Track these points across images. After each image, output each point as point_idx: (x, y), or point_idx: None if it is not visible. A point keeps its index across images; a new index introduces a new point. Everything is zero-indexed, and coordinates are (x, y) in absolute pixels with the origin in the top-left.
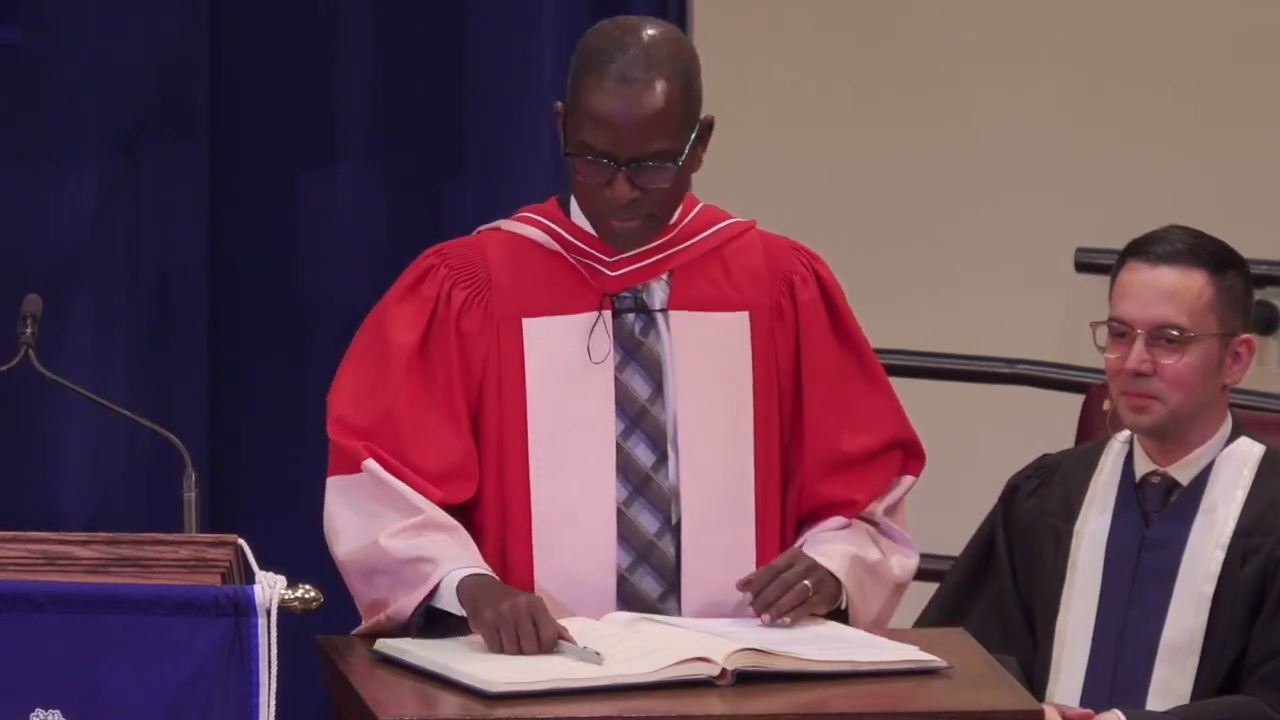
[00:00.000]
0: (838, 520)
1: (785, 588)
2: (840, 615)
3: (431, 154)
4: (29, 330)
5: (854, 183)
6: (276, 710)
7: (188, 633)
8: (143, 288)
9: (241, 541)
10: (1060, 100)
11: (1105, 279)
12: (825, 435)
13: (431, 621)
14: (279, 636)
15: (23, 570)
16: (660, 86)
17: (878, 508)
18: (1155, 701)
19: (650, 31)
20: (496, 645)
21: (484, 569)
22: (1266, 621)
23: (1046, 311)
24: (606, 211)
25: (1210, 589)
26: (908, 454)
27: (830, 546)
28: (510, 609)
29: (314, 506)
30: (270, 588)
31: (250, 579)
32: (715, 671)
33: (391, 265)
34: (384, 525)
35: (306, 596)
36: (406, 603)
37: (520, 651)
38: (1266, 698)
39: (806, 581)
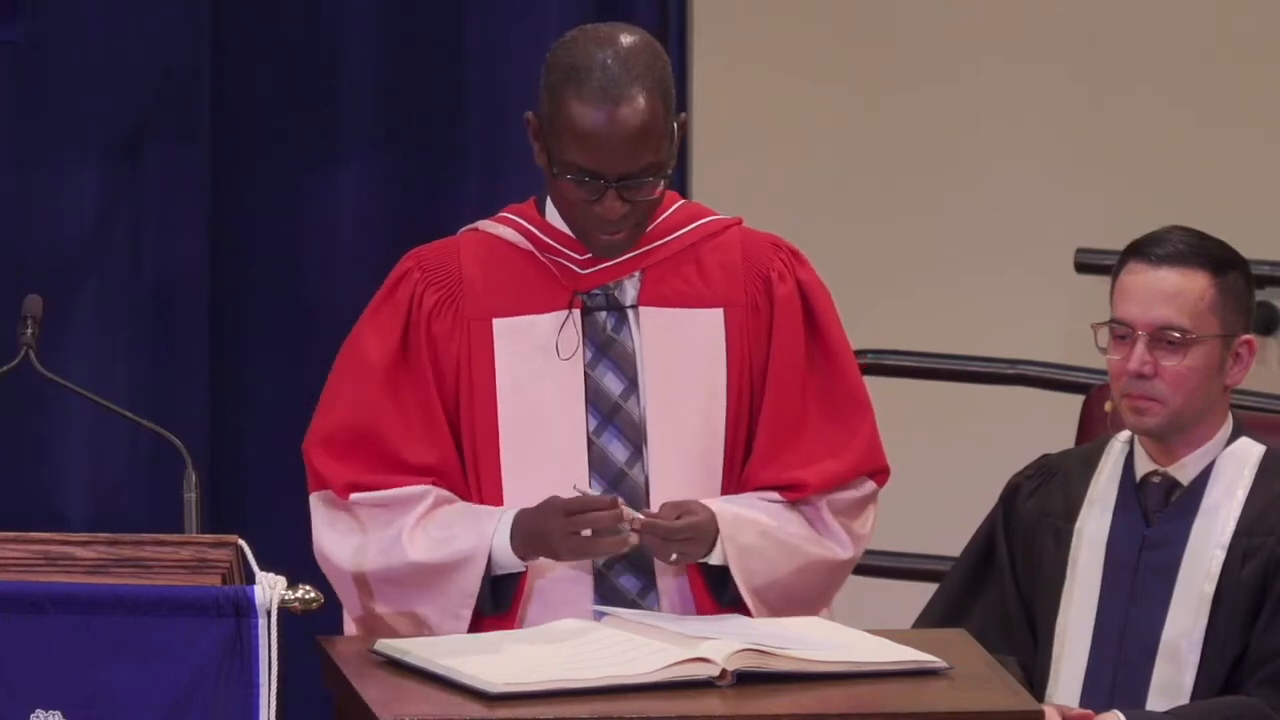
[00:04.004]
0: (773, 494)
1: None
2: (722, 571)
3: (432, 156)
4: (30, 331)
5: (854, 183)
6: (277, 711)
7: (188, 633)
8: (143, 289)
9: (242, 542)
10: (1060, 101)
11: (1106, 280)
12: (773, 450)
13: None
14: (280, 637)
15: (24, 571)
16: (645, 101)
17: (824, 499)
18: (1155, 702)
19: (625, 41)
20: (600, 551)
21: (506, 516)
22: (1267, 622)
23: (1047, 312)
24: (595, 226)
25: (1211, 589)
26: (871, 473)
27: (733, 503)
28: (565, 521)
29: None
30: (271, 588)
31: (251, 580)
32: (716, 672)
33: (392, 268)
34: (398, 533)
35: (307, 597)
36: (463, 590)
37: (609, 543)
38: (1268, 698)
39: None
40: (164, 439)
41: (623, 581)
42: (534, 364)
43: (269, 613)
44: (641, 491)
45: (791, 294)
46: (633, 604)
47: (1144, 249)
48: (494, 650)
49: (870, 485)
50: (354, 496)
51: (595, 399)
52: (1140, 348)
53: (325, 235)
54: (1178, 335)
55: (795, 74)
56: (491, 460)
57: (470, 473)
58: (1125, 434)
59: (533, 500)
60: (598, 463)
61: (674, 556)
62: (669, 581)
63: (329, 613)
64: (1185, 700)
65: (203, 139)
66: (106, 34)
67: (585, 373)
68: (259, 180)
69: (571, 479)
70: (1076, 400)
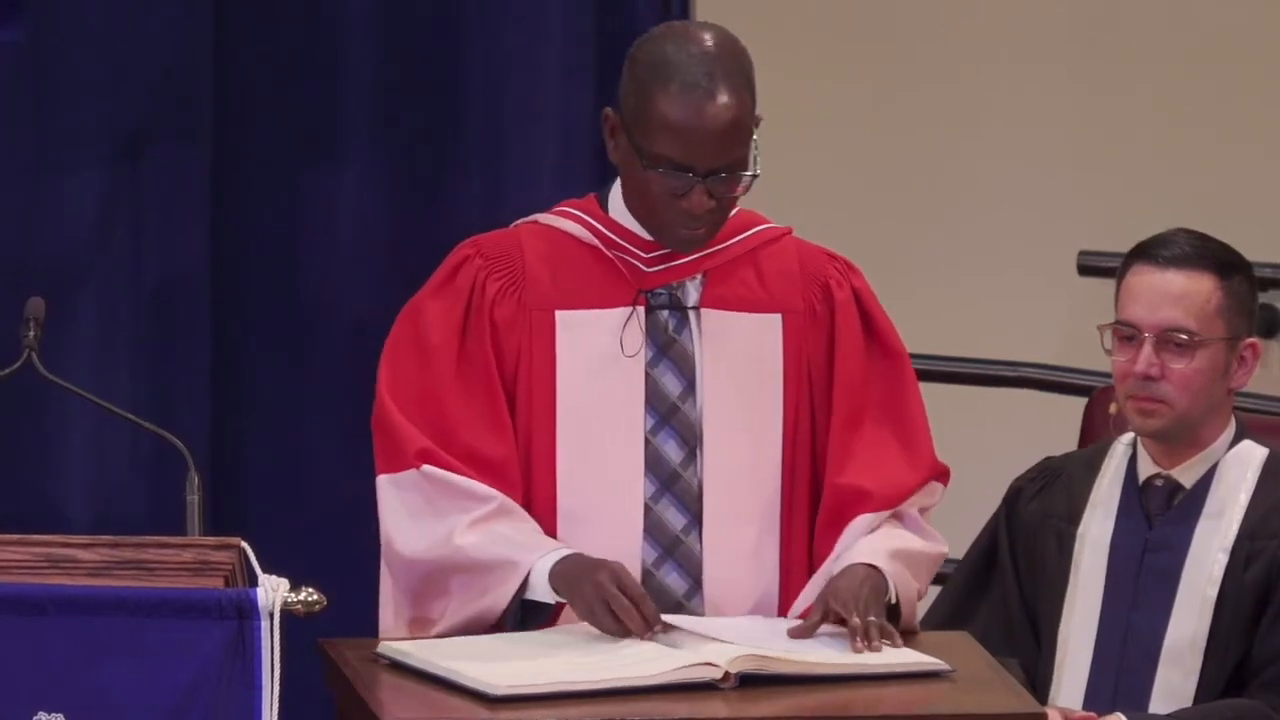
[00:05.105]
0: (864, 523)
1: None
2: (893, 609)
3: (434, 155)
4: (32, 333)
5: (855, 185)
6: (279, 713)
7: (191, 635)
8: (145, 290)
9: (244, 544)
10: (1062, 103)
11: (1108, 282)
12: (847, 455)
13: (523, 615)
14: (282, 639)
15: (26, 573)
16: (734, 97)
17: (912, 508)
18: (1158, 705)
19: (713, 38)
20: (604, 628)
21: (563, 550)
22: (1270, 625)
23: (1049, 314)
24: (678, 220)
25: (1214, 592)
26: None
27: (868, 545)
28: (604, 582)
29: (317, 509)
30: (273, 590)
31: (253, 582)
32: (718, 675)
33: (394, 267)
34: (455, 522)
35: (309, 599)
36: (498, 598)
37: (625, 633)
38: (1270, 701)
39: (871, 617)
40: (166, 441)
41: (670, 581)
42: (596, 359)
43: (271, 615)
44: (694, 494)
45: (849, 300)
46: (678, 605)
47: (1150, 251)
48: (496, 653)
49: (940, 489)
50: (426, 468)
51: (654, 399)
52: (1147, 349)
53: (326, 236)
54: (1185, 337)
55: (796, 75)
56: (547, 453)
57: (522, 461)
58: (1128, 437)
59: (584, 494)
60: (653, 463)
61: (872, 618)
62: (716, 586)
63: (331, 615)
64: (1188, 703)
65: (204, 140)
66: (107, 35)
67: (646, 371)
68: (260, 181)
69: (627, 476)
70: (1078, 403)
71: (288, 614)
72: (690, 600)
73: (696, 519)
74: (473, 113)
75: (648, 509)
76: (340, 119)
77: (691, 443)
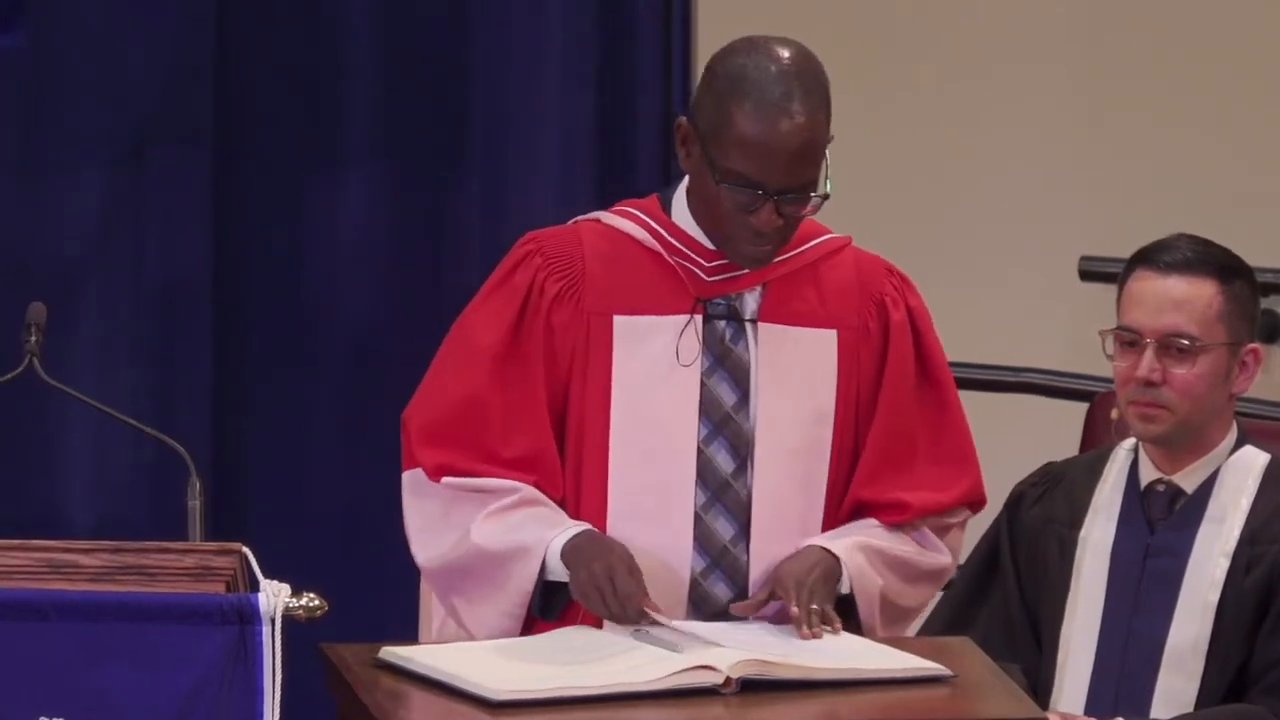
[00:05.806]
0: (871, 521)
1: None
2: (847, 600)
3: (435, 157)
4: (34, 338)
5: (856, 189)
6: (281, 718)
7: (192, 641)
8: (147, 296)
9: (246, 550)
10: (1064, 108)
11: (1110, 287)
12: (880, 471)
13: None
14: (283, 644)
15: (28, 578)
16: (811, 118)
17: (924, 523)
18: (1160, 710)
19: (793, 55)
20: (595, 609)
21: (578, 528)
22: (1271, 630)
23: (1051, 319)
24: (745, 236)
25: (1215, 597)
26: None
27: (836, 533)
28: (598, 573)
29: (319, 514)
30: (275, 596)
31: (255, 587)
32: (720, 679)
33: (395, 269)
34: (471, 518)
35: (311, 605)
36: (521, 583)
37: (611, 618)
38: (1271, 707)
39: (814, 604)
40: (168, 446)
41: (716, 591)
42: (652, 366)
43: (273, 620)
44: (744, 505)
45: (904, 321)
46: (723, 614)
47: (1152, 256)
48: (497, 658)
49: (965, 513)
50: (446, 480)
51: (708, 408)
52: (1149, 355)
53: (327, 238)
54: (1186, 343)
55: None
56: (599, 458)
57: (572, 465)
58: (1130, 442)
59: (635, 501)
60: (704, 471)
61: (815, 606)
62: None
63: (333, 620)
64: (1189, 708)
65: (205, 143)
66: (109, 39)
67: (701, 381)
68: (261, 184)
69: (678, 484)
70: (1081, 408)
71: (289, 619)
72: None
73: (744, 530)
74: (473, 113)
75: (698, 518)
76: (341, 120)
77: (743, 454)
